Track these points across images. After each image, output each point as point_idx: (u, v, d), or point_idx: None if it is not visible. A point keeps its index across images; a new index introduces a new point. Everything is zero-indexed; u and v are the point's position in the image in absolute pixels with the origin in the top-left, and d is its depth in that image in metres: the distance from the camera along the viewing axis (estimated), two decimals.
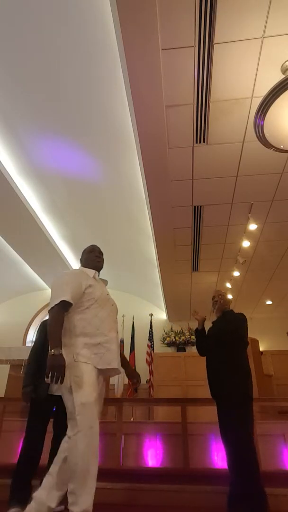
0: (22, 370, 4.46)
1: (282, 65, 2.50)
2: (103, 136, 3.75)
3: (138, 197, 4.59)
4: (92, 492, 1.64)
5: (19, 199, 4.59)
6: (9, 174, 4.28)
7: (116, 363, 1.90)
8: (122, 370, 2.01)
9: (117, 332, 2.03)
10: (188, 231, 4.90)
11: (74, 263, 7.02)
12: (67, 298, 1.87)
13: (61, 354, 1.71)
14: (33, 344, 2.60)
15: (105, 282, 2.25)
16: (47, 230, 5.60)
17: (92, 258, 2.20)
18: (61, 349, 1.73)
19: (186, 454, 2.65)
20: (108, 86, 3.15)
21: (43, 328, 2.58)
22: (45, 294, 8.33)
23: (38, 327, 2.68)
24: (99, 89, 3.22)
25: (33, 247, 5.98)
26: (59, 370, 1.66)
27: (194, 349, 6.54)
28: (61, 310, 1.85)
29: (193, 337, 6.64)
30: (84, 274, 2.10)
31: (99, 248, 2.29)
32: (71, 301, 1.88)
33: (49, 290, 8.39)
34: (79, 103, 3.39)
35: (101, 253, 2.26)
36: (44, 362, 2.31)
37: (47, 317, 2.29)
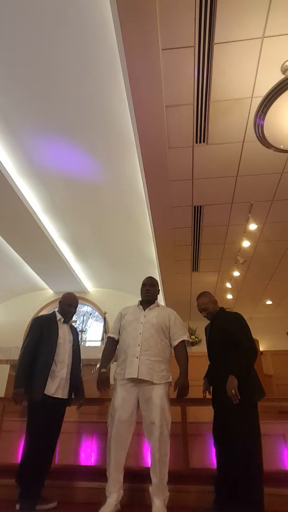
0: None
1: (282, 65, 2.50)
2: (103, 136, 3.75)
3: (138, 197, 4.59)
4: (110, 480, 2.12)
5: (19, 199, 4.59)
6: (9, 174, 4.28)
7: (132, 373, 2.24)
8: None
9: (138, 345, 2.33)
10: (188, 231, 4.90)
11: (74, 263, 7.02)
12: (108, 334, 2.62)
13: (104, 372, 2.40)
14: (26, 342, 2.42)
15: (148, 305, 2.58)
16: (47, 230, 5.60)
17: (143, 291, 2.63)
18: (104, 369, 2.41)
19: (186, 454, 2.65)
20: (108, 86, 3.15)
21: (39, 323, 2.50)
22: (45, 294, 8.32)
23: (30, 324, 2.56)
24: (99, 89, 3.22)
25: (33, 247, 5.97)
26: (100, 384, 2.36)
27: (194, 349, 6.53)
28: (108, 342, 2.58)
29: (193, 337, 6.64)
30: (127, 308, 2.67)
31: (151, 281, 2.67)
32: (110, 335, 2.59)
33: (49, 290, 8.34)
34: (79, 103, 3.39)
35: (152, 285, 2.64)
36: (41, 361, 2.31)
37: (39, 314, 2.46)
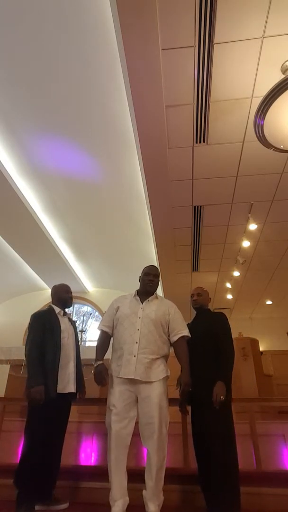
0: (22, 370, 4.43)
1: (282, 65, 2.50)
2: (103, 136, 3.75)
3: (138, 197, 4.59)
4: (113, 486, 1.97)
5: (19, 199, 4.59)
6: (9, 174, 4.28)
7: (128, 373, 2.11)
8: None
9: (136, 343, 2.16)
10: (188, 231, 4.90)
11: (74, 263, 7.02)
12: (100, 327, 2.40)
13: (101, 364, 2.24)
14: (30, 340, 2.31)
15: (147, 296, 2.37)
16: (47, 230, 5.60)
17: (145, 281, 2.39)
18: (100, 361, 2.25)
19: (186, 454, 2.64)
20: (108, 86, 3.15)
21: (40, 318, 2.39)
22: (45, 294, 8.32)
23: (31, 321, 2.41)
24: (99, 89, 3.22)
25: (33, 247, 5.97)
26: (98, 375, 2.21)
27: None
28: (101, 335, 2.38)
29: None
30: (121, 298, 2.45)
31: (156, 271, 2.44)
32: (103, 329, 2.37)
33: (49, 290, 8.39)
34: (79, 103, 3.39)
35: (156, 276, 2.41)
36: (49, 358, 2.26)
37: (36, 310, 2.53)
